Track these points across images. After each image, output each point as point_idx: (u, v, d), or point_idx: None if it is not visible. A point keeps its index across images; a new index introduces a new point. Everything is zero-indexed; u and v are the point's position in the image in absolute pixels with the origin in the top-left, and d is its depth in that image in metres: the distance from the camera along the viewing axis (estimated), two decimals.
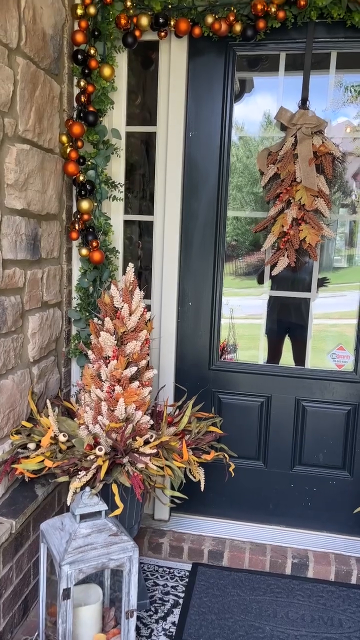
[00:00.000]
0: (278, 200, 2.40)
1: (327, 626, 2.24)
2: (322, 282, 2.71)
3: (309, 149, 2.31)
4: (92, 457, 1.98)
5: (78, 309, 2.56)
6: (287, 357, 2.87)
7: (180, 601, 2.36)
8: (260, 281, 2.76)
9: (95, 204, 2.48)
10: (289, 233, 2.39)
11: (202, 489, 2.15)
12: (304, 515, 2.74)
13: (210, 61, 2.51)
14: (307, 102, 2.39)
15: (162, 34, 2.36)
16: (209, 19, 2.28)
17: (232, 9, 2.28)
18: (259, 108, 2.64)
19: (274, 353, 2.90)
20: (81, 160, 2.40)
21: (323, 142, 2.32)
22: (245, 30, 2.29)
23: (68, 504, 1.92)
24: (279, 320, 2.87)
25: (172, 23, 2.31)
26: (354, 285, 2.65)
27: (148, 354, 2.21)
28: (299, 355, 2.78)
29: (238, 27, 2.29)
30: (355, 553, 2.62)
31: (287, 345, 2.89)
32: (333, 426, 2.67)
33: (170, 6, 2.31)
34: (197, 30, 2.32)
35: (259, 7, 2.22)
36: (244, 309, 2.93)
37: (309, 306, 2.71)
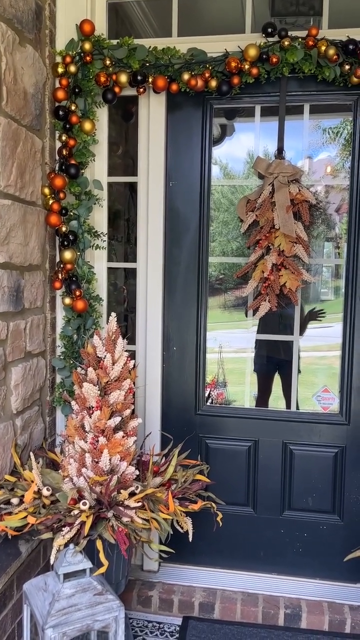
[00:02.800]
0: (258, 247, 2.44)
1: None
2: (316, 315, 2.73)
3: (285, 197, 2.37)
4: (76, 512, 1.94)
5: (62, 357, 2.56)
6: (277, 392, 2.86)
7: None
8: (247, 314, 2.77)
9: (78, 253, 2.50)
10: (270, 278, 2.42)
11: (191, 539, 2.11)
12: (295, 562, 2.68)
13: (189, 114, 2.60)
14: (283, 152, 2.46)
15: (141, 90, 2.44)
16: (186, 76, 2.36)
17: (208, 66, 2.36)
18: (241, 145, 2.74)
19: (264, 390, 2.89)
20: (63, 211, 2.44)
21: (299, 190, 2.38)
22: (221, 85, 2.37)
23: (51, 562, 1.87)
24: (267, 357, 2.88)
25: (150, 80, 2.39)
26: (339, 317, 2.65)
27: (132, 403, 2.20)
28: (288, 391, 2.77)
29: (214, 83, 2.37)
30: (349, 601, 2.57)
31: (277, 380, 2.89)
32: (321, 469, 2.64)
33: (147, 64, 2.39)
34: (174, 86, 2.40)
35: (233, 64, 2.31)
36: (232, 343, 2.93)
37: (294, 345, 2.72)
